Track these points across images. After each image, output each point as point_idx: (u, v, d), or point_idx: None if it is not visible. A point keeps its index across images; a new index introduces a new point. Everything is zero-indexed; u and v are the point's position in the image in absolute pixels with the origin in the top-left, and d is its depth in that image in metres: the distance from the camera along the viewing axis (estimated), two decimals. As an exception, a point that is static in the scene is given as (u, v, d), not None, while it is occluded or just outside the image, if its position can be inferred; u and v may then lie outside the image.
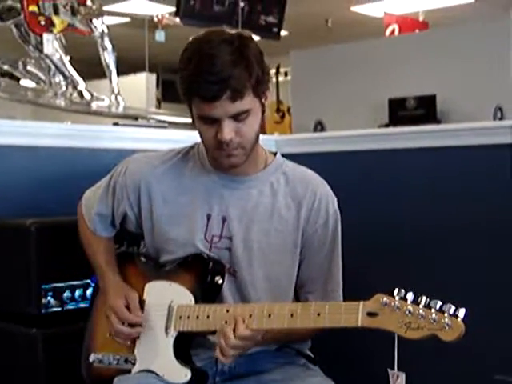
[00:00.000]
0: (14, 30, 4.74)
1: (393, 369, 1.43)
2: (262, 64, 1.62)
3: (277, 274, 1.73)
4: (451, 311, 1.31)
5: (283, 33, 6.94)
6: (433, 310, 1.33)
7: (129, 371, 1.72)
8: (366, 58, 6.65)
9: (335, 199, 1.80)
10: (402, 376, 1.44)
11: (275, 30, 6.26)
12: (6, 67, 5.07)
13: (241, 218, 1.72)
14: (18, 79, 5.42)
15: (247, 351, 1.59)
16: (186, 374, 1.63)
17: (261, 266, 1.72)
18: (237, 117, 1.60)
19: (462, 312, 1.31)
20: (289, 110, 8.25)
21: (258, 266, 1.72)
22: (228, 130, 1.59)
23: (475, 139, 2.18)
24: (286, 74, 8.73)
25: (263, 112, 1.68)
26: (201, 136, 1.68)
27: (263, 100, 1.66)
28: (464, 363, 2.09)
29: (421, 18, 9.20)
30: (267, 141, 2.36)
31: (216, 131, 1.61)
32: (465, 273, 2.15)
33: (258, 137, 1.69)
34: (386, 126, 6.26)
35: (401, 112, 6.32)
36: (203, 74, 1.55)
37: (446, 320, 1.31)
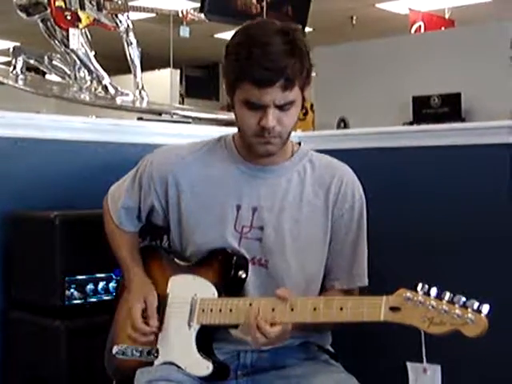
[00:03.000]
0: (41, 24, 4.77)
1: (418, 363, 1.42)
2: (309, 58, 1.66)
3: (309, 261, 1.74)
4: (475, 307, 1.31)
5: (307, 29, 6.92)
6: (456, 306, 1.32)
7: (151, 363, 1.73)
8: (390, 55, 6.63)
9: (360, 185, 1.81)
10: (437, 368, 1.43)
11: (299, 26, 6.24)
12: (31, 61, 5.11)
13: (271, 207, 1.73)
14: (43, 73, 5.47)
15: (283, 342, 1.60)
16: (208, 366, 1.64)
17: (293, 254, 1.73)
18: (282, 106, 1.62)
19: (485, 308, 1.30)
20: (312, 106, 8.24)
21: (290, 254, 1.72)
22: (272, 118, 1.62)
23: (498, 138, 2.17)
24: (309, 70, 8.69)
25: (303, 106, 1.70)
26: (240, 121, 1.69)
27: (305, 94, 1.69)
28: (489, 358, 2.08)
29: (447, 16, 9.14)
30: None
31: (259, 118, 1.63)
32: (490, 269, 2.14)
33: (293, 128, 1.72)
34: (410, 123, 6.24)
35: (425, 110, 6.30)
36: (259, 59, 1.57)
37: (470, 315, 1.30)
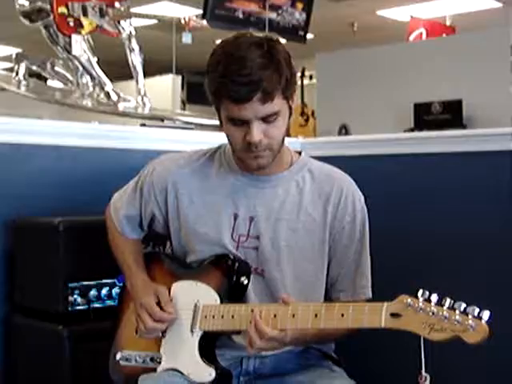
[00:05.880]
0: (43, 30, 4.80)
1: (420, 371, 1.43)
2: (290, 66, 1.64)
3: (306, 271, 1.74)
4: (475, 313, 1.31)
5: (309, 36, 6.94)
6: (457, 312, 1.33)
7: (154, 370, 1.73)
8: (391, 62, 6.64)
9: (362, 196, 1.80)
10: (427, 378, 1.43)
11: (301, 32, 6.27)
12: (34, 67, 5.13)
13: (268, 217, 1.74)
14: (45, 79, 5.49)
15: (274, 351, 1.59)
16: (211, 373, 1.64)
17: (289, 264, 1.73)
18: (266, 119, 1.62)
19: (486, 314, 1.31)
20: (313, 113, 8.26)
21: (286, 263, 1.73)
22: (257, 132, 1.61)
23: (499, 145, 2.18)
24: (310, 77, 8.73)
25: (290, 114, 1.69)
26: (228, 138, 1.69)
27: (291, 102, 1.68)
28: (491, 364, 2.08)
29: (448, 23, 9.17)
30: (293, 144, 2.37)
31: (245, 133, 1.62)
32: (490, 275, 2.14)
33: (284, 138, 1.70)
34: (411, 130, 6.24)
35: (426, 116, 6.31)
36: (234, 75, 1.57)
37: (470, 322, 1.31)
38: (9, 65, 6.27)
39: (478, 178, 2.21)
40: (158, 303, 1.73)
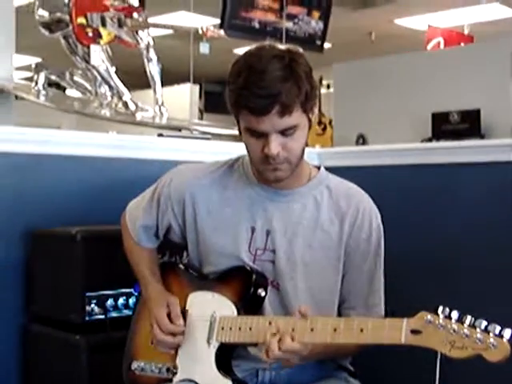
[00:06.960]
0: (63, 41, 4.82)
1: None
2: (310, 80, 1.63)
3: (320, 287, 1.73)
4: (496, 331, 1.29)
5: (327, 45, 6.94)
6: (478, 330, 1.31)
7: (170, 380, 1.74)
8: (409, 71, 6.61)
9: (378, 214, 1.79)
10: None
11: (319, 42, 6.27)
12: (53, 77, 5.15)
13: (284, 231, 1.73)
14: (64, 89, 5.51)
15: (293, 366, 1.57)
16: (227, 384, 1.64)
17: (303, 279, 1.72)
18: (284, 132, 1.61)
19: (507, 333, 1.29)
20: (330, 122, 8.23)
21: (300, 278, 1.72)
22: (275, 145, 1.60)
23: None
24: (328, 86, 8.72)
25: (310, 127, 1.68)
26: (247, 149, 1.69)
27: (310, 115, 1.67)
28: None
29: (466, 32, 9.13)
30: (309, 154, 2.37)
31: (263, 145, 1.62)
32: (508, 289, 2.13)
33: (303, 152, 1.70)
34: (429, 140, 6.21)
35: (444, 126, 6.27)
36: (253, 87, 1.56)
37: (492, 340, 1.29)
38: (28, 74, 6.32)
39: (499, 189, 2.19)
40: (169, 315, 1.73)
